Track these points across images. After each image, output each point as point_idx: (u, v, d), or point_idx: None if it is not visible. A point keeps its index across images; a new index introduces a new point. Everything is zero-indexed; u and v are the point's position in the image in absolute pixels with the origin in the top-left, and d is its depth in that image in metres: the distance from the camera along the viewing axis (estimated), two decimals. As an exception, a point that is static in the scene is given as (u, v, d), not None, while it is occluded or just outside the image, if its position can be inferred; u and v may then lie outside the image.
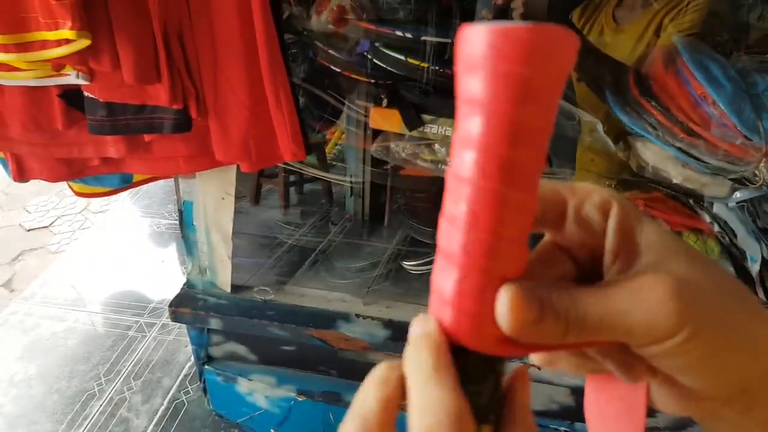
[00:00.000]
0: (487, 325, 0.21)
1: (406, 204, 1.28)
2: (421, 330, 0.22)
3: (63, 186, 1.09)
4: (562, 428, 1.09)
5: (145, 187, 2.27)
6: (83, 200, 2.36)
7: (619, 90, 0.99)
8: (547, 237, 0.25)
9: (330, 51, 0.94)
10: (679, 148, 0.95)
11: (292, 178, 1.64)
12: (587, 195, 0.24)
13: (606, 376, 0.25)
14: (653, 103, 0.96)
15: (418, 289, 1.16)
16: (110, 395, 1.49)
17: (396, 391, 0.21)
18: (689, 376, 0.21)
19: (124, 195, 2.29)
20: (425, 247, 1.24)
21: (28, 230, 2.25)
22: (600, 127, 0.97)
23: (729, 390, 0.21)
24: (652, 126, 0.95)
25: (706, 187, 0.98)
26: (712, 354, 0.20)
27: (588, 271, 0.24)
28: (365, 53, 0.93)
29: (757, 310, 0.21)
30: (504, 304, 0.20)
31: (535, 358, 0.26)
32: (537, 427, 0.21)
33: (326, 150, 1.61)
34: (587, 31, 1.28)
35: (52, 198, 2.41)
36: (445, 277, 0.21)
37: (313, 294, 1.15)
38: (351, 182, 1.31)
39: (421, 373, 0.20)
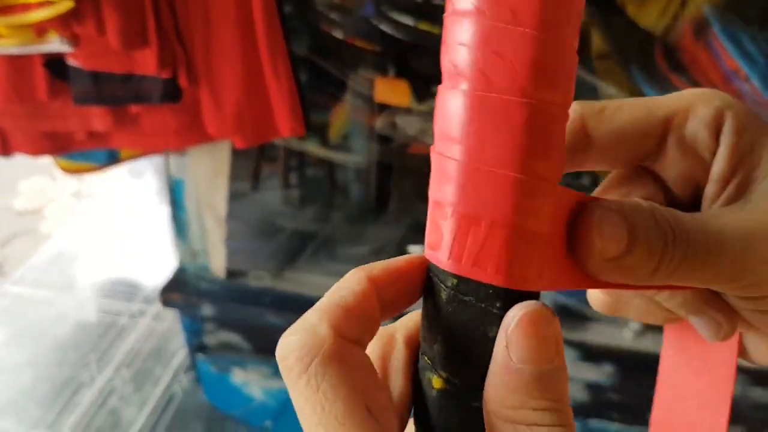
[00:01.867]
0: (538, 247, 0.14)
1: (414, 187, 1.23)
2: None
3: (55, 167, 1.05)
4: (575, 424, 1.04)
5: (139, 168, 2.22)
6: (76, 183, 2.32)
7: (645, 63, 0.94)
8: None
9: (332, 16, 0.88)
10: (709, 127, 0.89)
11: (293, 162, 1.60)
12: (691, 108, 0.17)
13: (688, 325, 0.20)
14: (683, 79, 0.91)
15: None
16: (101, 384, 1.45)
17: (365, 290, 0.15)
18: None
19: (118, 177, 2.25)
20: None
21: (19, 213, 2.21)
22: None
23: None
24: (681, 102, 0.90)
25: (736, 169, 0.93)
26: None
27: (681, 200, 0.18)
28: (370, 19, 0.87)
29: None
30: (587, 229, 0.14)
31: (593, 302, 0.20)
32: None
33: (330, 134, 1.56)
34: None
35: (43, 179, 2.36)
36: (453, 168, 0.14)
37: (312, 281, 1.11)
38: (355, 163, 1.26)
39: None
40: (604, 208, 0.15)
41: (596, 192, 0.19)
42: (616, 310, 0.20)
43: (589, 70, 1.01)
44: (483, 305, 0.15)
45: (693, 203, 0.18)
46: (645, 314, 0.20)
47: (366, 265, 0.15)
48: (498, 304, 0.14)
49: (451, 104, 0.14)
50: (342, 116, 1.30)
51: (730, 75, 0.91)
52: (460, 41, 0.14)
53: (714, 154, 0.17)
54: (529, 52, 0.13)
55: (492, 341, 0.14)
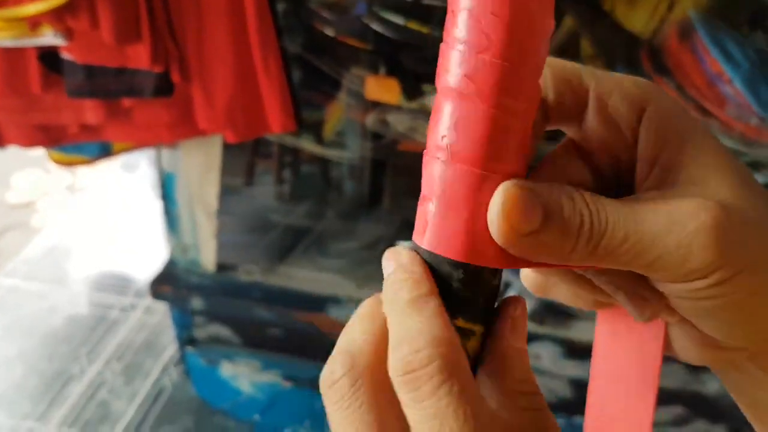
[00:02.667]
0: (479, 230, 0.16)
1: (407, 183, 1.24)
2: (394, 263, 0.17)
3: (47, 161, 1.06)
4: (559, 421, 1.05)
5: (132, 162, 2.22)
6: (69, 177, 2.31)
7: (631, 65, 0.95)
8: (567, 137, 0.20)
9: (325, 14, 0.89)
10: (692, 129, 0.91)
11: (287, 158, 1.60)
12: (616, 84, 0.18)
13: (619, 311, 0.21)
14: (667, 81, 0.92)
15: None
16: (91, 377, 1.45)
17: (385, 327, 0.17)
18: (713, 323, 0.18)
19: (111, 171, 2.25)
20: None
21: (12, 206, 2.21)
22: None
23: (759, 343, 0.18)
24: (665, 104, 0.92)
25: (719, 170, 0.94)
26: (745, 301, 0.16)
27: (610, 184, 0.19)
28: (362, 17, 0.88)
29: None
30: (496, 205, 0.16)
31: (525, 282, 0.22)
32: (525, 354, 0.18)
33: (325, 131, 1.56)
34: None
35: (36, 172, 2.36)
36: (433, 166, 0.17)
37: (303, 276, 1.11)
38: (349, 160, 1.26)
39: (397, 307, 0.16)
40: (517, 186, 0.16)
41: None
42: (545, 291, 0.21)
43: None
44: (433, 258, 0.18)
45: (620, 184, 0.19)
46: (573, 298, 0.21)
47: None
48: (434, 260, 0.18)
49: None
50: (336, 114, 1.31)
51: (713, 78, 0.92)
52: (445, 67, 0.18)
53: (633, 131, 0.18)
54: (496, 76, 0.16)
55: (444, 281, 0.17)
